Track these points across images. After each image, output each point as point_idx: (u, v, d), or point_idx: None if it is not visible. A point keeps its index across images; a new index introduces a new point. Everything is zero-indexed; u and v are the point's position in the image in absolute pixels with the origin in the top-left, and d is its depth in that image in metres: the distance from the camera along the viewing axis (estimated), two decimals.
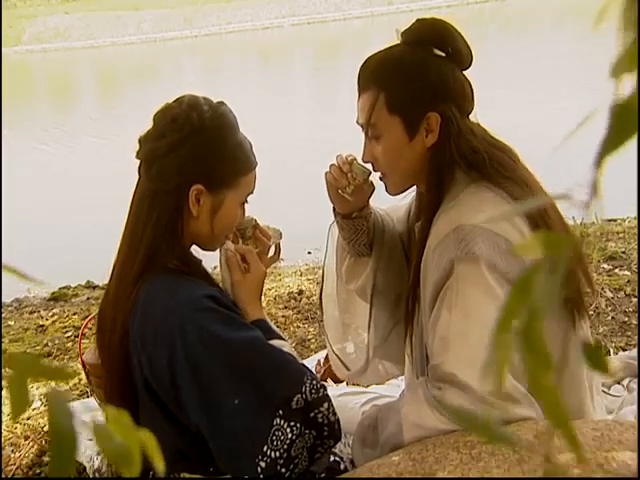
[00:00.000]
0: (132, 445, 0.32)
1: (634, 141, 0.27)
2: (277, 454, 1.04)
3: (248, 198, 1.24)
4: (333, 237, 1.55)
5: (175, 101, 1.17)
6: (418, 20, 1.24)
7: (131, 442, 0.32)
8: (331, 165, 1.36)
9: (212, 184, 1.16)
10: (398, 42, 1.24)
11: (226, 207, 1.18)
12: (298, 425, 1.07)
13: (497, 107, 6.75)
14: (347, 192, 1.36)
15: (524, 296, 0.28)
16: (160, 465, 0.34)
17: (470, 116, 1.25)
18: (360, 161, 1.33)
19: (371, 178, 1.36)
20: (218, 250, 1.34)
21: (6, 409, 2.34)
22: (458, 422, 0.33)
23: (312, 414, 1.09)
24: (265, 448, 1.04)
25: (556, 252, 0.28)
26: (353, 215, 1.43)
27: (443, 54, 1.20)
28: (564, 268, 0.28)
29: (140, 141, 1.17)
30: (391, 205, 1.57)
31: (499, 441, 0.32)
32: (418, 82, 1.19)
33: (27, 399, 0.33)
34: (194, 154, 1.13)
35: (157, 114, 1.17)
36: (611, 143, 0.27)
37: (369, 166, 1.31)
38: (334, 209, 1.45)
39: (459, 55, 1.22)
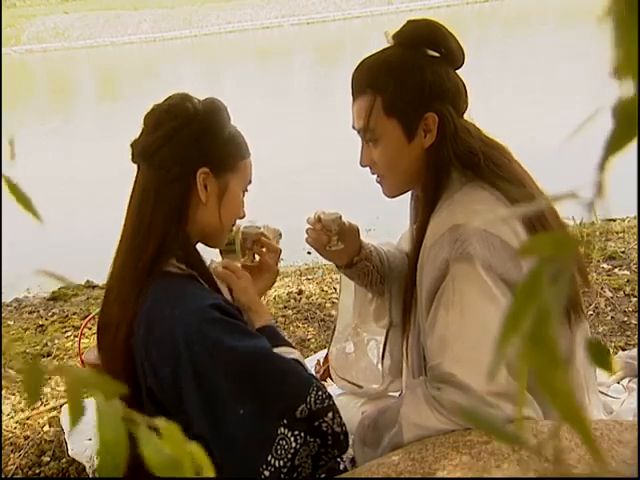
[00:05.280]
0: (182, 458, 0.33)
1: (635, 141, 0.27)
2: (281, 463, 1.04)
3: (247, 190, 1.25)
4: (346, 279, 1.57)
5: (164, 100, 1.18)
6: (409, 21, 1.24)
7: (181, 455, 0.33)
8: (306, 230, 1.38)
9: (216, 166, 1.16)
10: (389, 44, 1.24)
11: (231, 191, 1.19)
12: (302, 434, 1.06)
13: (497, 107, 6.75)
14: (333, 245, 1.37)
15: (530, 298, 0.28)
16: (211, 475, 0.35)
17: (465, 115, 1.25)
18: (329, 212, 1.35)
19: (344, 219, 1.37)
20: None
21: (6, 409, 2.34)
22: (462, 420, 0.33)
23: (317, 423, 1.09)
24: (269, 457, 1.04)
25: (557, 253, 0.28)
26: (354, 261, 1.45)
27: (437, 54, 1.20)
28: (570, 269, 0.28)
29: (132, 145, 1.17)
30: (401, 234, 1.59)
31: (503, 439, 0.32)
32: (414, 84, 1.18)
33: (82, 411, 0.34)
34: (193, 139, 1.14)
35: (147, 115, 1.18)
36: (615, 143, 0.26)
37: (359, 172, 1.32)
38: (336, 264, 1.48)
39: (452, 55, 1.22)
